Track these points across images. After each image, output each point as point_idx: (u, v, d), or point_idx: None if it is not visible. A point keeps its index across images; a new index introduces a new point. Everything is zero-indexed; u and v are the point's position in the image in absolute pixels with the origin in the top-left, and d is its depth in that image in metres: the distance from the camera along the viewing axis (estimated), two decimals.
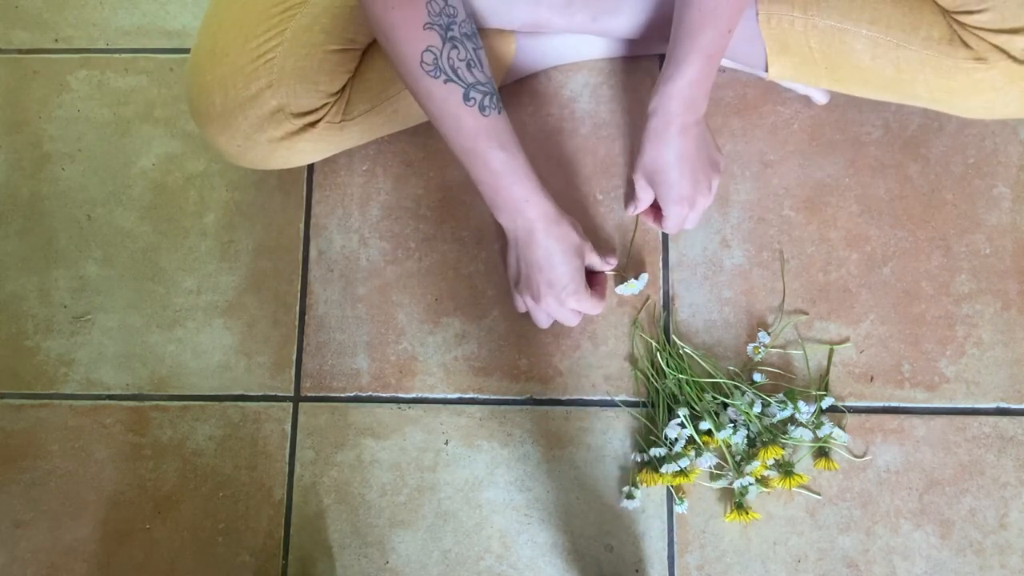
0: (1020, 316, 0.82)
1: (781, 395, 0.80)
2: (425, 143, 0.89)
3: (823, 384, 0.82)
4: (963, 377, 0.82)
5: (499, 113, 0.69)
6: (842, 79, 0.78)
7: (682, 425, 0.78)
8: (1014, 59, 0.69)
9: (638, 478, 0.80)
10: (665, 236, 0.86)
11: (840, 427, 0.80)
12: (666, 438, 0.79)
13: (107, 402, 0.87)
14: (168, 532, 0.85)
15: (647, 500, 0.81)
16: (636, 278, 0.83)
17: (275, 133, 0.75)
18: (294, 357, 0.87)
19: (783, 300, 0.84)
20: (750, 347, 0.83)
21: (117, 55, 0.95)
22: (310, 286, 0.88)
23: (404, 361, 0.86)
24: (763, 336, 0.83)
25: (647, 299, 0.85)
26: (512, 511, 0.83)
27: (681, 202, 0.77)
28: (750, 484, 0.78)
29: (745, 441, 0.79)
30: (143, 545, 0.85)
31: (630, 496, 0.80)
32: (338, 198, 0.90)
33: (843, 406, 0.81)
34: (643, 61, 0.89)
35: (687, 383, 0.80)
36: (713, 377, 0.81)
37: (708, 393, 0.80)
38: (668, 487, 0.81)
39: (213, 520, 0.85)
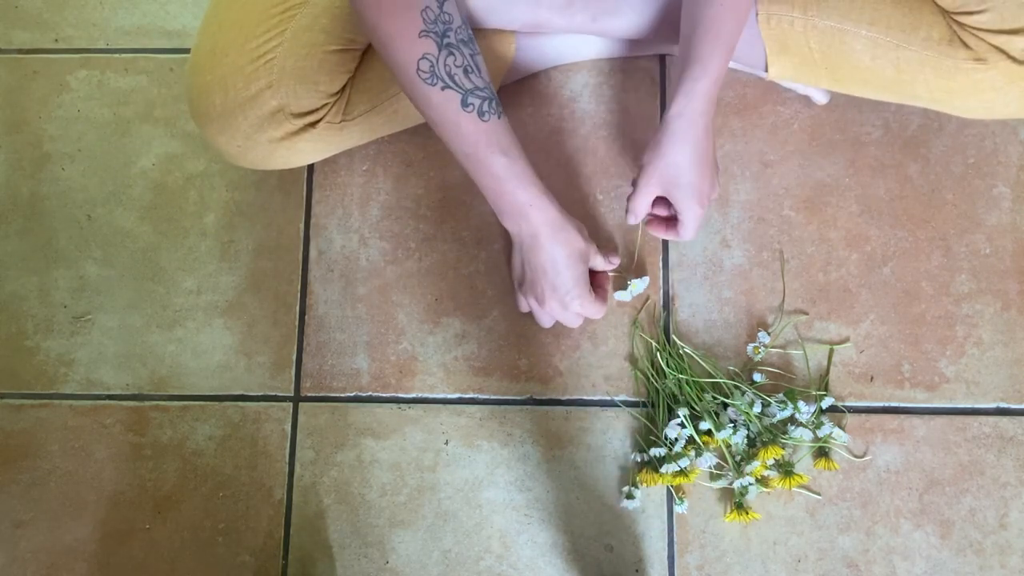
0: (1020, 316, 0.82)
1: (781, 395, 0.80)
2: (425, 143, 0.89)
3: (823, 384, 0.82)
4: (963, 377, 0.82)
5: (499, 118, 0.69)
6: (842, 79, 0.78)
7: (682, 425, 0.78)
8: (1014, 59, 0.69)
9: (638, 478, 0.80)
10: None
11: (840, 427, 0.80)
12: (666, 438, 0.79)
13: (107, 402, 0.87)
14: (168, 532, 0.85)
15: (647, 500, 0.81)
16: (637, 279, 0.83)
17: (275, 133, 0.75)
18: (294, 357, 0.87)
19: (783, 300, 0.84)
20: (750, 347, 0.83)
21: (117, 55, 0.95)
22: (310, 286, 0.88)
23: (404, 361, 0.86)
24: (763, 336, 0.83)
25: (647, 299, 0.85)
26: (512, 511, 0.83)
27: (702, 202, 0.75)
28: (750, 484, 0.78)
29: (745, 441, 0.79)
30: (143, 545, 0.85)
31: (630, 496, 0.80)
32: (338, 198, 0.90)
33: (843, 406, 0.81)
34: (643, 61, 0.89)
35: (687, 383, 0.80)
36: (713, 377, 0.81)
37: (708, 393, 0.80)
38: (668, 487, 0.81)
39: (213, 520, 0.85)
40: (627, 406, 0.83)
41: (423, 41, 0.64)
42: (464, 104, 0.67)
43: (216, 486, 0.85)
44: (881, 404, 0.82)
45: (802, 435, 0.79)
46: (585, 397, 0.84)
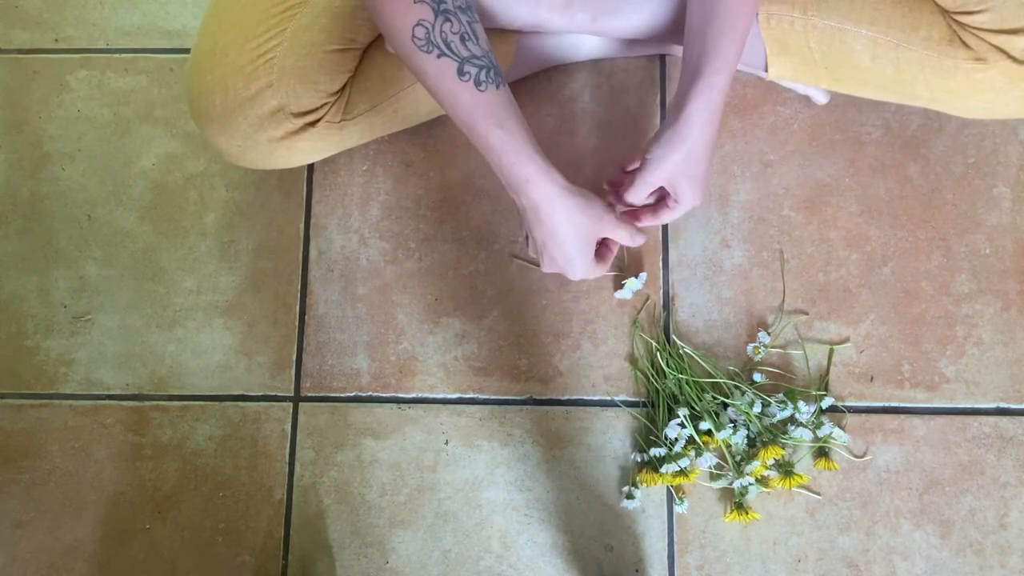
0: (1020, 316, 0.82)
1: (781, 395, 0.80)
2: (425, 143, 0.89)
3: (823, 384, 0.82)
4: (963, 377, 0.82)
5: (497, 88, 0.67)
6: (842, 79, 0.78)
7: (682, 425, 0.78)
8: (1014, 59, 0.69)
9: (638, 478, 0.80)
10: (665, 236, 0.86)
11: (840, 427, 0.80)
12: (666, 438, 0.79)
13: (107, 402, 0.87)
14: (168, 532, 0.85)
15: (647, 500, 0.81)
16: (634, 277, 0.83)
17: (275, 133, 0.75)
18: (294, 357, 0.87)
19: (783, 300, 0.84)
20: (750, 347, 0.83)
21: (117, 55, 0.95)
22: (310, 286, 0.88)
23: (404, 361, 0.86)
24: (763, 336, 0.83)
25: (647, 299, 0.85)
26: (512, 511, 0.83)
27: (704, 191, 0.75)
28: (750, 484, 0.78)
29: (745, 441, 0.79)
30: (143, 545, 0.85)
31: (630, 496, 0.80)
32: (338, 198, 0.90)
33: (843, 406, 0.81)
34: (643, 61, 0.89)
35: (687, 383, 0.80)
36: (713, 377, 0.81)
37: (708, 393, 0.80)
38: (668, 487, 0.81)
39: (213, 520, 0.85)
40: (627, 406, 0.83)
41: (418, 7, 0.63)
42: (460, 73, 0.65)
43: (216, 486, 0.85)
44: (881, 404, 0.82)
45: (802, 435, 0.79)
46: (585, 397, 0.84)
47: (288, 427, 0.86)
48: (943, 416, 0.81)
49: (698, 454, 0.78)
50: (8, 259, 0.91)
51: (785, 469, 0.78)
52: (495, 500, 0.83)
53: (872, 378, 0.82)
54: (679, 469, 0.78)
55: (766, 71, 0.80)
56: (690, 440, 0.79)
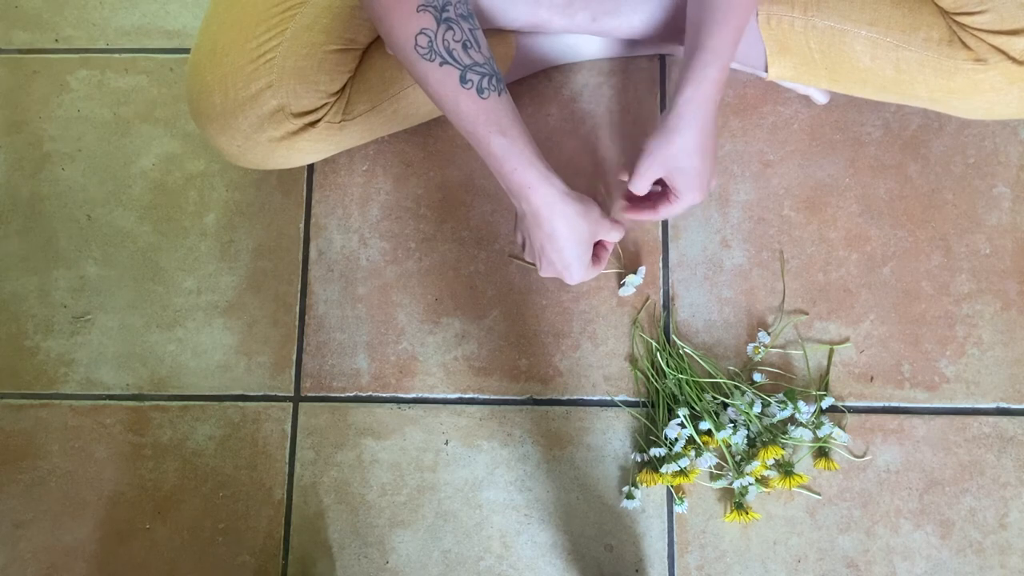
0: (1020, 316, 0.82)
1: (781, 395, 0.80)
2: (425, 143, 0.90)
3: (823, 384, 0.82)
4: (963, 377, 0.82)
5: (499, 95, 0.67)
6: (842, 79, 0.78)
7: (682, 425, 0.78)
8: (1014, 60, 0.69)
9: (638, 478, 0.80)
10: (665, 236, 0.86)
11: (840, 427, 0.80)
12: (666, 438, 0.79)
13: (107, 402, 0.87)
14: (168, 532, 0.85)
15: (647, 500, 0.81)
16: (632, 274, 0.83)
17: (275, 133, 0.75)
18: (294, 357, 0.87)
19: (783, 300, 0.84)
20: (750, 347, 0.83)
21: (117, 55, 0.95)
22: (310, 286, 0.88)
23: (404, 361, 0.86)
24: (763, 336, 0.83)
25: (647, 299, 0.85)
26: (512, 511, 0.83)
27: (703, 188, 0.75)
28: (750, 484, 0.78)
29: (745, 441, 0.79)
30: (143, 545, 0.85)
31: (630, 496, 0.80)
32: (338, 198, 0.90)
33: (843, 406, 0.81)
34: (643, 61, 0.89)
35: (687, 383, 0.80)
36: (713, 377, 0.81)
37: (708, 393, 0.80)
38: (668, 487, 0.81)
39: (213, 520, 0.85)
40: (627, 406, 0.83)
41: (421, 15, 0.63)
42: (463, 80, 0.65)
43: (216, 486, 0.85)
44: (881, 404, 0.82)
45: (802, 435, 0.79)
46: (585, 397, 0.84)
47: (288, 427, 0.86)
48: (943, 416, 0.81)
49: (698, 454, 0.78)
50: (8, 259, 0.91)
51: (785, 469, 0.78)
52: (495, 500, 0.83)
53: (872, 378, 0.82)
54: (679, 469, 0.78)
55: (766, 71, 0.80)
56: (690, 440, 0.79)
